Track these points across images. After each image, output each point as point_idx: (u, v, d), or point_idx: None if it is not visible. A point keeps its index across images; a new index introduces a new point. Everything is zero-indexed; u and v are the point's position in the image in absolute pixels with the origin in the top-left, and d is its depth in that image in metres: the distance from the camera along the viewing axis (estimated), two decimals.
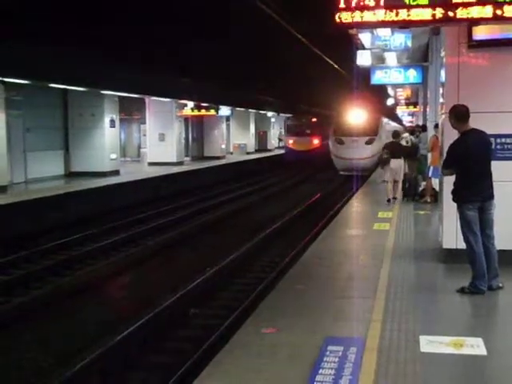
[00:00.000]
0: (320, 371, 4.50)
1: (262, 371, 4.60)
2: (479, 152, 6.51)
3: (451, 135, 7.40)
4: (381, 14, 6.08)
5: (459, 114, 6.58)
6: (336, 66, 26.37)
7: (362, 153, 26.29)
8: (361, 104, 28.30)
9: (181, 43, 17.35)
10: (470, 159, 6.45)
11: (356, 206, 14.67)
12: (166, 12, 14.88)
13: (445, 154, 7.04)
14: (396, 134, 15.28)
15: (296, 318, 5.90)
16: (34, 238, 13.65)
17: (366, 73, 17.08)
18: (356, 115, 27.68)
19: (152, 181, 21.90)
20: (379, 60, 16.83)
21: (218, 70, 21.26)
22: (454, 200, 6.71)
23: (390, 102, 35.37)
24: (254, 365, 4.73)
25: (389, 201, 14.12)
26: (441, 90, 8.71)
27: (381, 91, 30.37)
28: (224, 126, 38.26)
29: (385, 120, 31.23)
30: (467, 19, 5.95)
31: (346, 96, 30.22)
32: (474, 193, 6.51)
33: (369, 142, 26.88)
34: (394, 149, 14.46)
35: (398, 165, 14.22)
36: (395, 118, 47.07)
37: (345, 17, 6.07)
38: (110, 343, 7.10)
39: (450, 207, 7.54)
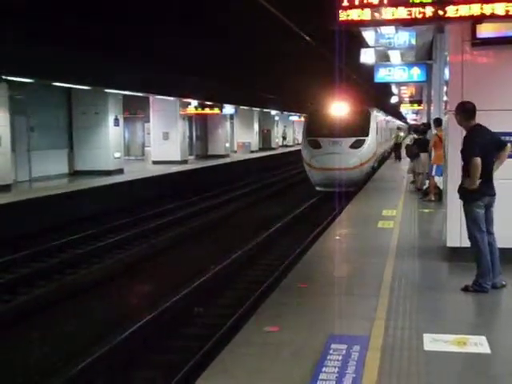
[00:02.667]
0: (323, 369, 4.50)
1: (266, 370, 4.60)
2: (489, 146, 6.43)
3: (455, 134, 7.41)
4: (384, 12, 6.06)
5: (466, 111, 6.52)
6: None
7: (346, 160, 19.17)
8: (345, 93, 21.15)
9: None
10: (482, 153, 6.32)
11: (360, 204, 14.64)
12: (165, 11, 14.84)
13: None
14: (425, 130, 16.02)
15: (299, 316, 5.91)
16: (41, 236, 13.77)
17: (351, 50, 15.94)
18: (338, 108, 20.27)
19: (155, 179, 21.94)
20: (383, 58, 16.81)
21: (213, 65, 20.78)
22: (462, 198, 6.58)
23: (393, 99, 35.25)
24: (257, 363, 4.73)
25: (420, 190, 15.26)
26: (445, 88, 8.69)
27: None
28: (228, 124, 38.26)
29: (378, 115, 23.84)
30: (470, 17, 5.94)
31: (325, 82, 23.45)
32: (486, 188, 6.41)
33: (356, 146, 19.65)
34: (422, 144, 15.23)
35: (426, 159, 15.04)
36: (396, 114, 46.04)
37: (348, 15, 6.06)
38: None
39: (454, 205, 7.54)
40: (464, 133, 6.68)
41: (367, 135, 20.07)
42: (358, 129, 19.92)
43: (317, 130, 20.25)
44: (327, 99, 20.99)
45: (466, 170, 6.43)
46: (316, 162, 19.78)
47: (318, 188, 20.27)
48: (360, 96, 23.45)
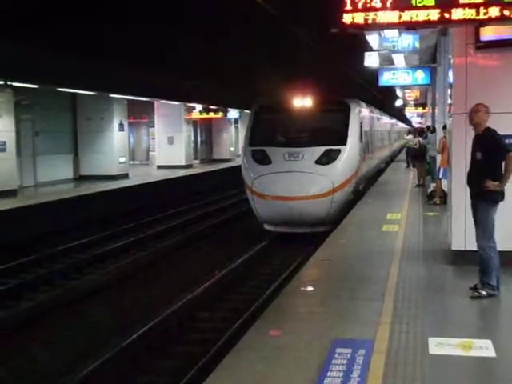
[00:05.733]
0: (328, 373, 4.49)
1: (270, 374, 4.60)
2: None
3: (459, 137, 7.42)
4: (387, 16, 6.05)
5: (487, 113, 6.43)
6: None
7: (309, 184, 12.62)
8: (309, 80, 14.27)
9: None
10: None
11: (365, 207, 14.60)
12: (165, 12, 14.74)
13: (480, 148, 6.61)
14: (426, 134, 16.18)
15: (304, 320, 5.90)
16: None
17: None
18: (298, 101, 13.79)
19: (161, 184, 21.97)
20: (387, 61, 16.80)
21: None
22: (484, 200, 6.36)
23: (398, 102, 35.18)
24: (261, 368, 4.72)
25: (421, 185, 16.22)
26: (449, 91, 8.69)
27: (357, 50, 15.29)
28: (232, 128, 38.32)
29: (364, 111, 16.84)
30: (474, 20, 5.92)
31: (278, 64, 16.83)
32: (503, 189, 6.31)
33: (325, 160, 12.99)
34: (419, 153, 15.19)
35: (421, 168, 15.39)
36: (401, 117, 45.13)
37: (351, 18, 6.05)
38: None
39: (458, 208, 7.53)
40: (470, 134, 6.65)
41: (344, 143, 13.45)
42: (330, 133, 13.81)
43: (265, 136, 13.80)
44: (281, 88, 14.79)
45: (488, 170, 6.25)
46: (262, 187, 12.83)
47: (266, 227, 13.38)
48: (334, 84, 17.04)
